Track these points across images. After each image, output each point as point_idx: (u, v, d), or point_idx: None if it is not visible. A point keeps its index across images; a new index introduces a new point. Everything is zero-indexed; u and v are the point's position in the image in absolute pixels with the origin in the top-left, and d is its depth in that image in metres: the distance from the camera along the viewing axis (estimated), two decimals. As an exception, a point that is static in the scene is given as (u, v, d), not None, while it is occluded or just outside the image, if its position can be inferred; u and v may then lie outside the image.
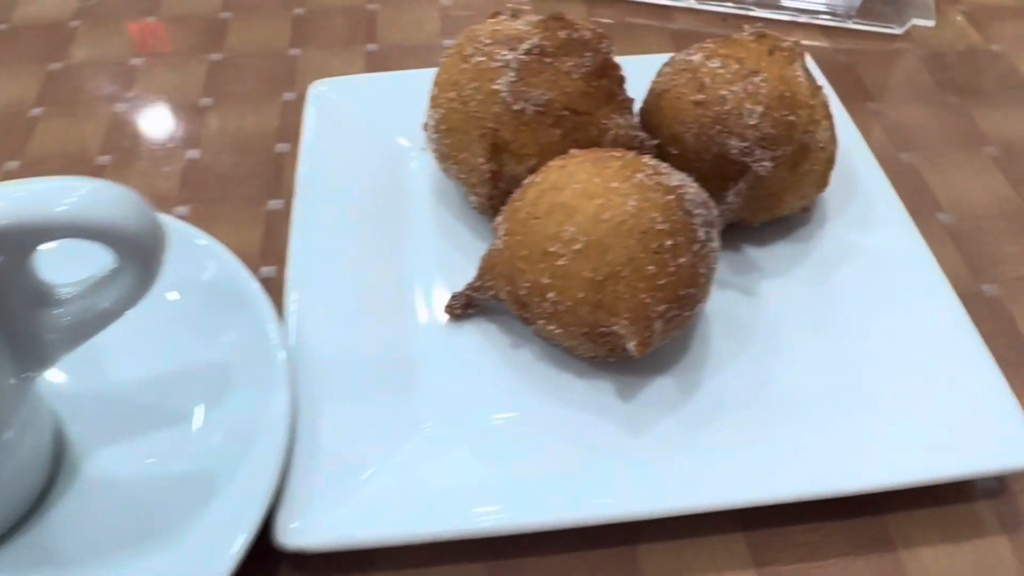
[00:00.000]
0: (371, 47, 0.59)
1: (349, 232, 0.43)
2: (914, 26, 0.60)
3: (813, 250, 0.43)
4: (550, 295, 0.35)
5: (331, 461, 0.34)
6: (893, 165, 0.50)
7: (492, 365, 0.39)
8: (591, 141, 0.40)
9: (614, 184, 0.35)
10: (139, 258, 0.28)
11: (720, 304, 0.41)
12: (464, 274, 0.41)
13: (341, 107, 0.49)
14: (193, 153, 0.52)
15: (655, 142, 0.42)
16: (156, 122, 0.54)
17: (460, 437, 0.36)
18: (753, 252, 0.43)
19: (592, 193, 0.35)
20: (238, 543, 0.30)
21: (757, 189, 0.40)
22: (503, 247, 0.37)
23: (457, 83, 0.40)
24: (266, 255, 0.45)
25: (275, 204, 0.48)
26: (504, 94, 0.39)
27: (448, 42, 0.60)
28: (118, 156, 0.51)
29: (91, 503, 0.34)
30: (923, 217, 0.46)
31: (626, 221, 0.34)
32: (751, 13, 0.61)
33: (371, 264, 0.42)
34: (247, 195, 0.49)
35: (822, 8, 0.60)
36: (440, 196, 0.46)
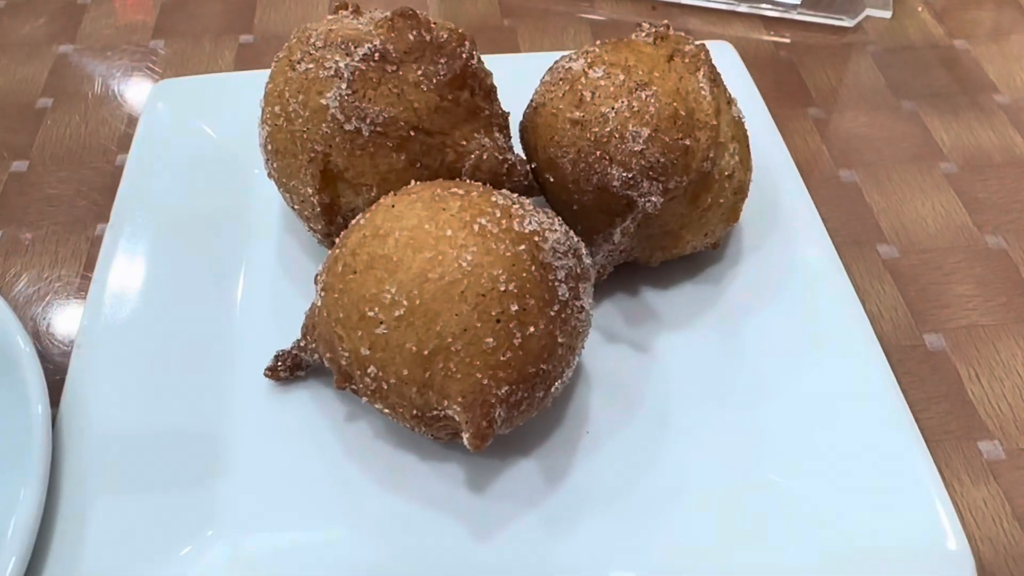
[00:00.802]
0: (245, 38, 0.51)
1: (170, 269, 0.36)
2: (868, 18, 0.52)
3: (722, 294, 0.36)
4: (371, 369, 0.28)
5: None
6: (831, 186, 0.43)
7: (319, 444, 0.32)
8: (448, 168, 0.33)
9: (448, 232, 0.28)
10: None
11: (606, 362, 0.34)
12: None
13: (185, 113, 0.42)
14: (20, 165, 0.44)
15: (531, 166, 0.34)
16: (-20, 127, 0.46)
17: (261, 547, 0.29)
18: (651, 296, 0.36)
19: (420, 243, 0.27)
20: None
21: (650, 227, 0.33)
22: (321, 305, 0.30)
23: (282, 95, 0.33)
24: (84, 295, 0.38)
25: (104, 229, 0.41)
26: (333, 110, 0.31)
27: (336, 33, 0.52)
28: (-73, 169, 0.44)
29: None
30: (861, 249, 0.40)
31: (460, 280, 0.27)
32: (683, 2, 0.53)
33: (190, 312, 0.35)
34: (73, 218, 0.42)
35: (764, -4, 0.52)
36: (291, 226, 0.39)
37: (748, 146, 0.35)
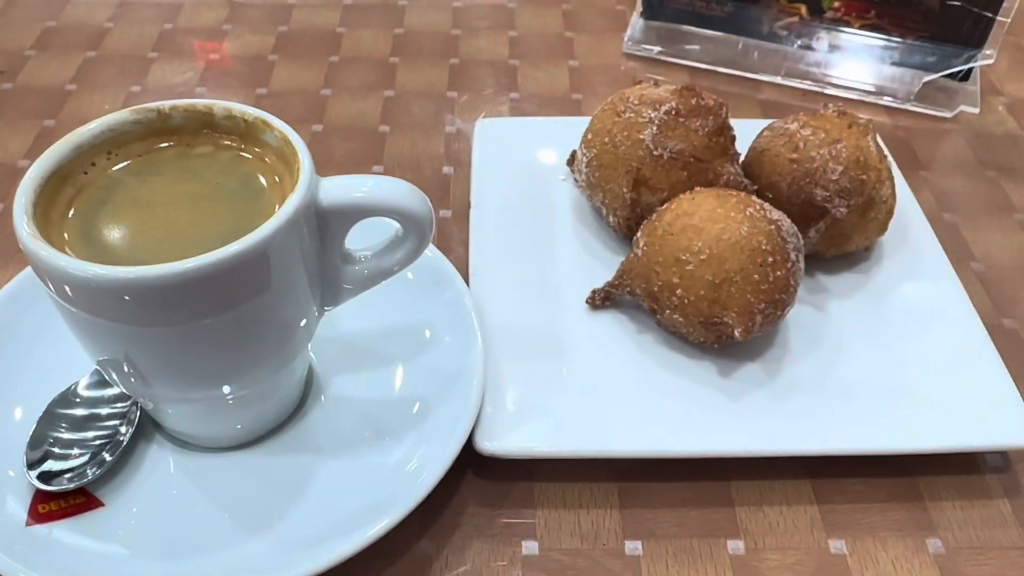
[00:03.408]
0: (514, 94, 0.73)
1: (511, 234, 0.57)
2: (961, 112, 0.72)
3: (870, 281, 0.55)
4: (678, 292, 0.48)
5: (510, 398, 0.47)
6: (938, 222, 0.62)
7: (623, 344, 0.51)
8: (709, 183, 0.53)
9: (732, 214, 0.47)
10: (418, 230, 0.41)
11: (797, 315, 0.53)
12: (600, 276, 0.54)
13: (502, 141, 0.63)
14: (378, 168, 0.65)
15: (755, 187, 0.54)
16: (347, 142, 0.67)
17: (601, 393, 0.48)
18: (824, 279, 0.55)
19: (715, 219, 0.47)
20: (451, 447, 0.43)
21: (832, 229, 0.53)
22: (642, 255, 0.50)
23: (610, 131, 0.53)
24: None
25: (444, 213, 0.62)
26: (648, 143, 0.52)
27: (576, 95, 0.73)
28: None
29: (332, 413, 0.47)
30: (960, 264, 0.58)
31: (740, 241, 0.47)
32: (826, 92, 0.74)
33: (530, 261, 0.55)
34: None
35: (885, 91, 0.73)
36: (579, 216, 0.59)
37: (894, 185, 0.54)
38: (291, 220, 0.36)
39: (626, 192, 0.53)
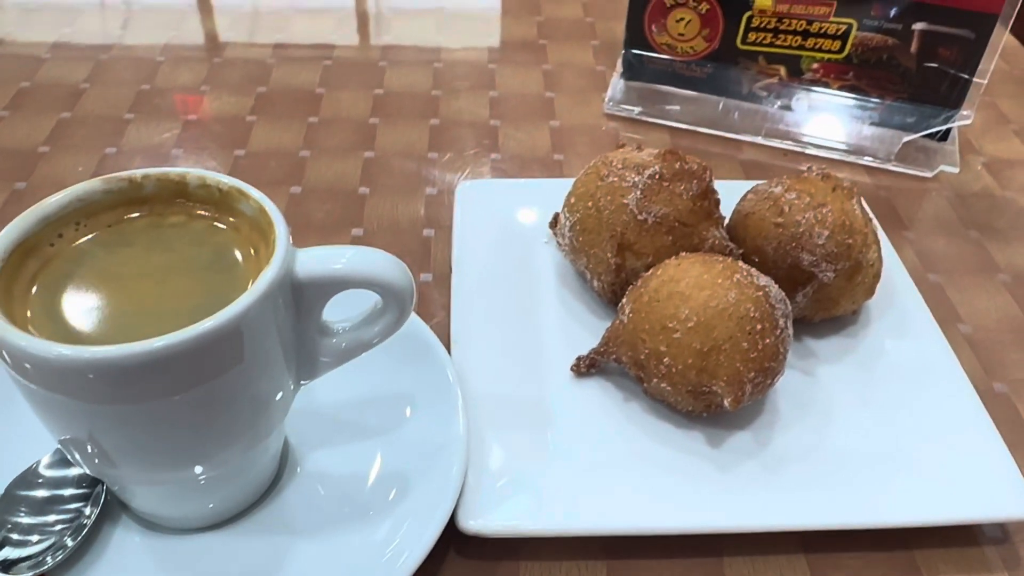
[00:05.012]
0: (495, 155, 0.72)
1: (494, 300, 0.55)
2: (941, 171, 0.72)
3: (859, 345, 0.54)
4: (665, 360, 0.46)
5: (494, 472, 0.45)
6: (922, 283, 0.61)
7: (609, 413, 0.50)
8: (694, 247, 0.52)
9: (719, 280, 0.46)
10: (398, 302, 0.40)
11: (785, 381, 0.51)
12: (584, 342, 0.52)
13: (483, 203, 0.62)
14: (357, 231, 0.64)
15: (741, 251, 0.54)
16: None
17: (587, 465, 0.47)
18: (811, 343, 0.55)
19: (702, 286, 0.46)
20: (433, 527, 0.41)
21: (819, 293, 0.52)
22: (627, 322, 0.49)
23: (593, 195, 0.53)
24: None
25: (425, 276, 0.60)
26: (632, 207, 0.51)
27: (557, 155, 0.73)
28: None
29: (309, 490, 0.45)
30: (947, 326, 0.58)
31: (728, 308, 0.46)
32: (807, 152, 0.74)
33: (512, 328, 0.54)
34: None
35: (866, 151, 0.73)
36: (562, 281, 0.58)
37: (880, 247, 0.54)
38: (266, 294, 0.35)
39: (610, 257, 0.52)
